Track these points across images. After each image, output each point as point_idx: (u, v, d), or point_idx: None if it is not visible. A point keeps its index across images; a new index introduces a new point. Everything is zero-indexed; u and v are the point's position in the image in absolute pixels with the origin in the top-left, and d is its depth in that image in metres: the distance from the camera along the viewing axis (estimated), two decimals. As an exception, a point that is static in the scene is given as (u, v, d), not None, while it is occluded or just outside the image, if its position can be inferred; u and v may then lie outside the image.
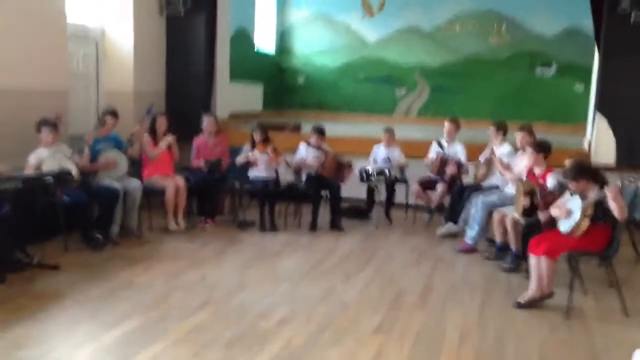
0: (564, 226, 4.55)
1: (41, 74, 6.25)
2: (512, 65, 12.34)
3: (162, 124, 6.83)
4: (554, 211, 4.70)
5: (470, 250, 6.18)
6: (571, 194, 4.61)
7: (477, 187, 6.67)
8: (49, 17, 6.33)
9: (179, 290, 4.78)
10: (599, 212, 4.39)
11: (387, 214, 7.51)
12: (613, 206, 4.22)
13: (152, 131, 6.79)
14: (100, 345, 3.78)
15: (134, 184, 6.34)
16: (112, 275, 5.05)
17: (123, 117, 7.13)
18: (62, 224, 5.57)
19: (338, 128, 10.34)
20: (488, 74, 12.50)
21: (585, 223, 4.37)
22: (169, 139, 6.80)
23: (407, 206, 7.55)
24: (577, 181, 4.47)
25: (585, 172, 4.46)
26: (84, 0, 7.49)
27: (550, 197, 4.91)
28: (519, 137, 6.25)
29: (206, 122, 7.20)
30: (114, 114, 6.43)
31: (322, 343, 3.89)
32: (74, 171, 5.63)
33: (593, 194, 4.37)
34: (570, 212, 4.51)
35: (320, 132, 7.21)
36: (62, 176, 5.30)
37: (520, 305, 4.61)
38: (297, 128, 9.07)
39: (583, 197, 4.46)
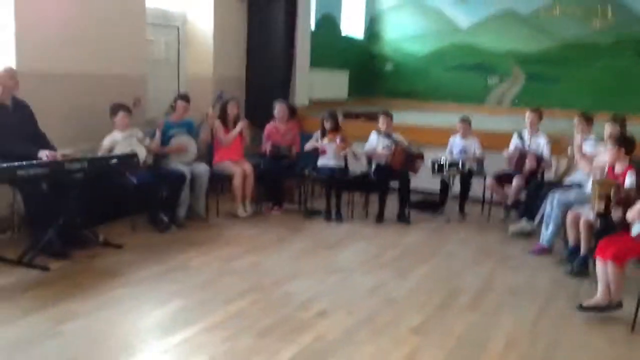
0: (635, 230, 4.10)
1: (119, 58, 6.49)
2: (617, 52, 11.30)
3: (233, 109, 6.90)
4: (629, 214, 4.25)
5: (545, 251, 5.77)
6: (649, 196, 4.15)
7: (556, 184, 6.21)
8: (128, 2, 6.55)
9: (229, 275, 4.82)
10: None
11: (461, 209, 7.19)
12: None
13: (223, 117, 6.88)
14: (140, 324, 3.89)
15: (202, 168, 6.47)
16: (170, 257, 5.18)
17: (203, 102, 7.32)
18: (130, 205, 5.80)
19: (426, 117, 10.04)
20: (589, 62, 11.54)
21: (658, 227, 3.92)
22: (242, 124, 6.86)
23: (483, 201, 7.20)
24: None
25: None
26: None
27: (625, 196, 4.44)
28: (608, 128, 5.74)
29: (277, 108, 7.21)
30: (185, 98, 6.58)
31: (357, 339, 3.76)
32: (142, 155, 5.82)
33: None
34: (643, 215, 4.06)
35: (386, 114, 7.00)
36: (127, 159, 5.48)
37: (582, 308, 4.23)
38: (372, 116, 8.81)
39: (660, 199, 3.99)
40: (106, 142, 5.83)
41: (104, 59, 6.31)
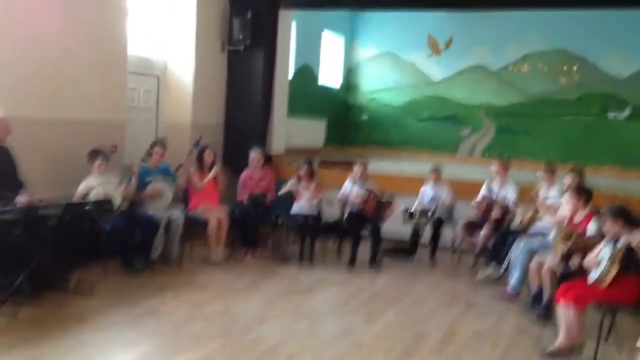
0: (593, 275, 4.28)
1: (100, 105, 6.62)
2: (583, 107, 11.81)
3: (209, 156, 7.04)
4: (587, 261, 4.43)
5: (512, 297, 5.91)
6: (606, 243, 4.34)
7: (522, 232, 6.40)
8: (110, 50, 6.71)
9: (199, 320, 4.86)
10: (631, 261, 4.10)
11: (432, 255, 7.33)
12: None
13: (199, 163, 7.02)
14: (107, 369, 3.91)
15: (177, 213, 6.55)
16: (140, 301, 5.21)
17: (180, 149, 7.43)
18: (103, 250, 5.84)
19: (399, 166, 10.28)
20: (557, 115, 12.01)
21: (614, 271, 4.10)
22: (216, 170, 6.99)
23: (453, 248, 7.35)
24: (612, 222, 4.22)
25: (622, 215, 4.19)
26: (149, 35, 7.93)
27: (583, 244, 4.64)
28: (568, 179, 6.01)
29: (252, 156, 7.37)
30: (161, 144, 6.71)
31: (323, 383, 3.82)
32: (117, 200, 5.90)
33: (623, 240, 4.10)
34: (600, 261, 4.24)
35: (362, 164, 7.21)
36: (101, 205, 5.55)
37: (547, 355, 4.34)
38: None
39: (615, 245, 4.18)
40: (82, 187, 5.90)
41: (85, 105, 6.45)
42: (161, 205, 6.52)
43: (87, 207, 5.42)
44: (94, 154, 6.07)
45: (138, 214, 6.32)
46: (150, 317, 4.86)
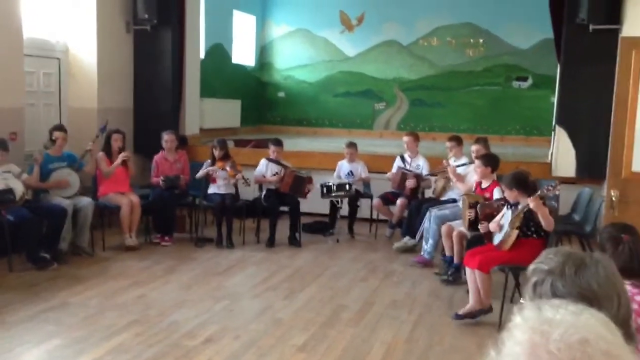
0: (496, 239, 4.48)
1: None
2: (489, 78, 12.24)
3: (116, 141, 6.78)
4: (491, 225, 4.63)
5: (426, 263, 6.11)
6: (507, 208, 4.54)
7: (435, 201, 6.60)
8: (3, 32, 6.31)
9: (113, 310, 4.70)
10: (529, 225, 4.31)
11: (350, 229, 7.44)
12: (540, 217, 4.15)
13: (107, 148, 6.75)
14: (14, 367, 3.72)
15: (86, 201, 6.30)
16: (49, 295, 4.98)
17: (87, 135, 7.11)
18: (7, 244, 5.52)
19: (316, 143, 10.32)
20: (465, 87, 12.40)
21: (514, 235, 4.30)
22: (124, 155, 6.74)
23: (371, 221, 7.49)
24: (510, 191, 4.41)
25: (518, 183, 4.39)
26: (47, 15, 7.48)
27: (488, 210, 4.83)
28: (474, 149, 6.22)
29: (165, 138, 7.16)
30: (61, 129, 6.41)
31: (242, 362, 3.81)
32: (20, 191, 5.60)
33: (521, 205, 4.30)
34: (502, 226, 4.44)
35: (277, 143, 7.17)
36: (1, 195, 5.24)
37: (458, 316, 4.53)
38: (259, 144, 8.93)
39: (515, 210, 4.38)
40: (-22, 178, 5.56)
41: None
42: (67, 193, 6.24)
43: (-16, 200, 5.10)
44: (-9, 143, 5.71)
45: (43, 204, 6.03)
46: (60, 310, 4.65)
